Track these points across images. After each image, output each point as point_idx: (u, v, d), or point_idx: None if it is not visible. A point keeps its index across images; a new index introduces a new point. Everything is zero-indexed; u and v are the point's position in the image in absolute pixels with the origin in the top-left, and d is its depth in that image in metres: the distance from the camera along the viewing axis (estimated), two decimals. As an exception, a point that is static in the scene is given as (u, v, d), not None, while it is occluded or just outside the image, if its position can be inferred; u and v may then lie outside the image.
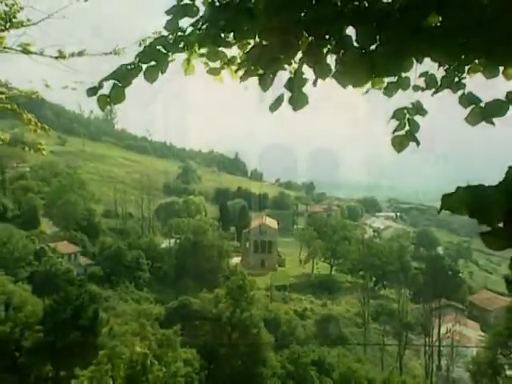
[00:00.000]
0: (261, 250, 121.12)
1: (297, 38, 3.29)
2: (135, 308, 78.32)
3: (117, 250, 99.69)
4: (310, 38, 3.31)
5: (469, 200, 1.48)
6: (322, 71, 3.34)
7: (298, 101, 3.43)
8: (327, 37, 3.25)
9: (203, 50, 4.02)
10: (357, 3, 3.22)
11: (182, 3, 3.55)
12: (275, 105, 3.60)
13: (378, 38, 3.18)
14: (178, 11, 3.47)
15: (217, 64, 4.14)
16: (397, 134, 3.84)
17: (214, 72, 4.22)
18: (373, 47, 3.18)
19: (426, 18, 3.04)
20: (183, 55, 3.79)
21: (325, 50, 3.33)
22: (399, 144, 3.82)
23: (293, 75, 3.50)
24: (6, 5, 6.85)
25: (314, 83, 3.46)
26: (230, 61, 4.09)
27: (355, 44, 3.21)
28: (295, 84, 3.44)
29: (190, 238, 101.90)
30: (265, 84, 3.55)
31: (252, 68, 3.64)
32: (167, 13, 3.44)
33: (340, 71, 3.32)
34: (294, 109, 3.46)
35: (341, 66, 3.30)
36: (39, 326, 50.65)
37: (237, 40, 3.75)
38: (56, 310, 50.96)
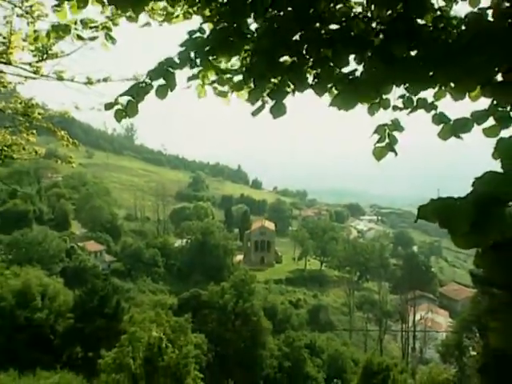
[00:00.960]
0: (260, 248, 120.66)
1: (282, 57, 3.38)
2: (152, 298, 77.88)
3: (136, 249, 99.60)
4: (293, 58, 3.38)
5: (440, 211, 1.51)
6: (300, 85, 3.42)
7: (278, 110, 3.49)
8: (307, 56, 3.32)
9: (213, 77, 4.11)
10: (336, 28, 3.29)
11: (193, 37, 3.60)
12: (256, 111, 3.70)
13: (356, 62, 3.26)
14: (190, 44, 3.52)
15: (225, 88, 4.21)
16: (378, 145, 3.90)
17: (222, 94, 4.28)
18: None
19: (399, 50, 3.10)
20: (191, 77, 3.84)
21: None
22: (379, 154, 3.89)
23: (275, 87, 3.56)
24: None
25: (293, 93, 3.54)
26: (236, 84, 4.14)
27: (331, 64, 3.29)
28: (277, 95, 3.51)
29: (199, 239, 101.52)
30: (254, 97, 3.63)
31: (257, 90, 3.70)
32: (181, 45, 3.48)
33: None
34: (274, 117, 3.52)
35: (317, 82, 3.38)
36: (70, 313, 50.66)
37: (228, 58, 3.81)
38: (84, 300, 50.94)
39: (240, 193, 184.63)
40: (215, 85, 4.21)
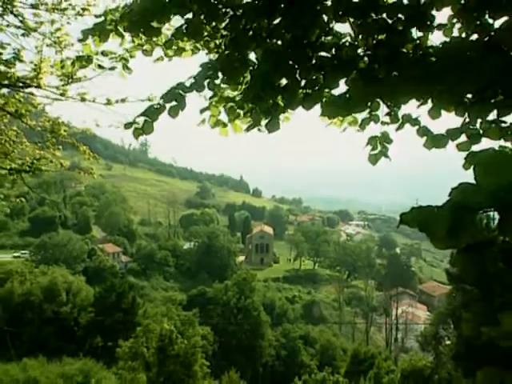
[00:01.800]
0: (260, 250, 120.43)
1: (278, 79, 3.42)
2: (164, 295, 78.00)
3: (150, 250, 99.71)
4: (287, 80, 3.42)
5: (420, 217, 1.51)
6: (292, 104, 3.45)
7: (273, 126, 3.55)
8: (299, 79, 3.35)
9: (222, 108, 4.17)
10: (325, 55, 3.32)
11: (206, 66, 3.64)
12: (250, 127, 3.75)
13: (346, 85, 3.29)
14: (201, 71, 3.54)
15: (225, 117, 4.24)
16: (372, 152, 3.96)
17: (222, 125, 4.31)
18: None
19: (382, 72, 3.14)
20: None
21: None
22: (374, 159, 3.96)
23: (269, 106, 3.58)
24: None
25: (284, 111, 3.57)
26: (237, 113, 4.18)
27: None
28: (272, 113, 3.56)
29: (206, 242, 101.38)
30: (257, 119, 3.68)
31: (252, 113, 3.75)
32: (194, 78, 3.50)
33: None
34: (269, 131, 3.58)
35: (307, 100, 3.41)
36: (91, 307, 50.83)
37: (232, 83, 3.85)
38: (104, 296, 50.97)
39: (242, 201, 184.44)
40: (219, 117, 4.25)
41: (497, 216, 1.50)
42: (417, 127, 3.72)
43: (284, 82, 3.41)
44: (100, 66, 5.67)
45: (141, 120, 3.40)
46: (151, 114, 3.36)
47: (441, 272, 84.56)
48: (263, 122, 3.69)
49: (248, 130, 4.04)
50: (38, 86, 7.87)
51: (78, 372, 40.76)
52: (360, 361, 35.63)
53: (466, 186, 1.50)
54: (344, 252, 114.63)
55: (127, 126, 3.45)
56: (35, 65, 7.74)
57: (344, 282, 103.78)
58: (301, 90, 3.41)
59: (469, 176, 1.60)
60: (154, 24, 3.60)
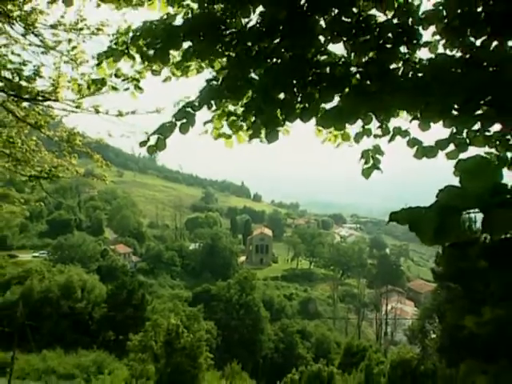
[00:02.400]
0: (260, 251, 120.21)
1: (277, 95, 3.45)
2: (170, 292, 77.86)
3: (158, 251, 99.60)
4: (286, 95, 3.44)
5: (409, 217, 1.52)
6: (291, 117, 3.47)
7: (273, 137, 3.55)
8: (297, 94, 3.38)
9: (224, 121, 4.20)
10: (318, 71, 3.34)
11: (210, 83, 3.65)
12: (252, 136, 3.77)
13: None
14: (207, 89, 3.56)
15: (227, 130, 4.27)
16: (365, 166, 3.99)
17: (227, 137, 4.34)
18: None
19: (373, 87, 3.16)
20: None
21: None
22: (367, 173, 3.98)
23: (269, 119, 3.60)
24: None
25: (283, 123, 3.59)
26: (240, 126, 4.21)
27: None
28: (271, 125, 3.55)
29: (209, 243, 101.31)
30: (257, 130, 3.70)
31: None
32: (199, 92, 3.54)
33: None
34: (269, 142, 3.58)
35: (304, 114, 3.43)
36: (104, 303, 51.06)
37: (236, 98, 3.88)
38: (115, 293, 51.08)
39: (243, 205, 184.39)
40: (223, 130, 4.28)
41: (478, 219, 1.51)
42: (407, 138, 3.75)
43: (282, 96, 3.43)
44: (114, 88, 5.71)
45: (154, 137, 3.42)
46: (164, 131, 3.37)
47: (427, 271, 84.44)
48: (263, 133, 3.72)
49: (250, 140, 4.07)
50: (56, 100, 7.93)
51: (92, 363, 41.26)
52: (352, 353, 35.55)
53: (451, 188, 1.52)
54: (338, 253, 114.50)
55: (142, 144, 3.45)
56: (53, 80, 7.82)
57: (338, 281, 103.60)
58: (298, 105, 3.43)
59: (456, 183, 1.62)
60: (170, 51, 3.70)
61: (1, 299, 50.39)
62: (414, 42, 3.16)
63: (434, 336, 25.66)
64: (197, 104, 3.41)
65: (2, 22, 7.20)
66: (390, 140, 3.87)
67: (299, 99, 3.39)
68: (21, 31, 7.32)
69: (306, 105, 3.40)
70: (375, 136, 3.95)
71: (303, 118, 3.44)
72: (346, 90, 3.25)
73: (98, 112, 7.98)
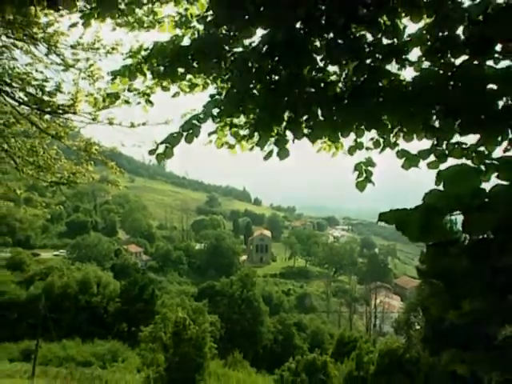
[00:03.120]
0: (260, 250, 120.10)
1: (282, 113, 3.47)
2: (178, 288, 77.73)
3: (166, 251, 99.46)
4: (290, 113, 3.46)
5: (397, 218, 1.54)
6: (298, 135, 3.49)
7: (283, 154, 3.57)
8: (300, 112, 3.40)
9: (227, 131, 4.22)
10: (313, 90, 3.37)
11: (214, 98, 3.68)
12: (267, 156, 3.77)
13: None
14: (212, 103, 3.57)
15: (232, 140, 4.27)
16: (359, 179, 3.96)
17: (229, 146, 4.35)
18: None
19: (365, 100, 3.18)
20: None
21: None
22: (361, 186, 3.96)
23: (279, 137, 3.63)
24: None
25: (293, 141, 3.61)
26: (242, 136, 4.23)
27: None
28: (281, 143, 3.59)
29: (214, 243, 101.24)
30: (262, 144, 3.71)
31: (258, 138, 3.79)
32: (204, 106, 3.55)
33: (311, 133, 3.50)
34: (280, 159, 3.59)
35: (308, 128, 3.46)
36: (118, 298, 51.14)
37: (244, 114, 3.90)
38: (128, 289, 51.12)
39: (244, 208, 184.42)
40: (226, 139, 4.29)
41: (459, 221, 1.53)
42: (396, 150, 3.76)
43: (288, 114, 3.47)
44: (126, 101, 5.74)
45: (162, 146, 3.44)
46: (171, 141, 3.40)
47: (412, 269, 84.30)
48: (267, 148, 3.73)
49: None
50: (75, 112, 7.98)
51: (107, 352, 41.63)
52: (344, 343, 35.41)
53: (436, 191, 1.54)
54: (331, 252, 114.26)
55: (151, 152, 3.47)
56: (72, 95, 7.88)
57: (331, 278, 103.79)
58: (304, 124, 3.47)
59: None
60: (181, 70, 3.78)
61: (25, 294, 51.16)
62: (403, 57, 3.19)
63: (418, 327, 25.66)
64: (202, 116, 3.44)
65: (27, 44, 7.30)
66: (381, 151, 3.89)
67: (304, 118, 3.43)
68: (44, 51, 7.40)
69: (310, 128, 3.44)
70: (367, 149, 3.96)
71: (310, 138, 3.50)
72: (339, 104, 3.28)
73: (112, 123, 8.04)
